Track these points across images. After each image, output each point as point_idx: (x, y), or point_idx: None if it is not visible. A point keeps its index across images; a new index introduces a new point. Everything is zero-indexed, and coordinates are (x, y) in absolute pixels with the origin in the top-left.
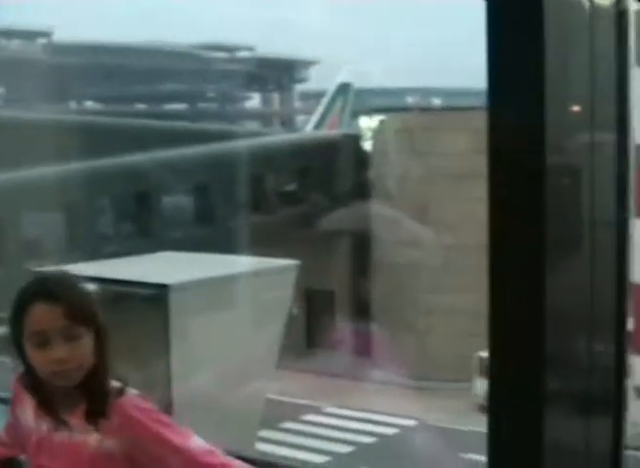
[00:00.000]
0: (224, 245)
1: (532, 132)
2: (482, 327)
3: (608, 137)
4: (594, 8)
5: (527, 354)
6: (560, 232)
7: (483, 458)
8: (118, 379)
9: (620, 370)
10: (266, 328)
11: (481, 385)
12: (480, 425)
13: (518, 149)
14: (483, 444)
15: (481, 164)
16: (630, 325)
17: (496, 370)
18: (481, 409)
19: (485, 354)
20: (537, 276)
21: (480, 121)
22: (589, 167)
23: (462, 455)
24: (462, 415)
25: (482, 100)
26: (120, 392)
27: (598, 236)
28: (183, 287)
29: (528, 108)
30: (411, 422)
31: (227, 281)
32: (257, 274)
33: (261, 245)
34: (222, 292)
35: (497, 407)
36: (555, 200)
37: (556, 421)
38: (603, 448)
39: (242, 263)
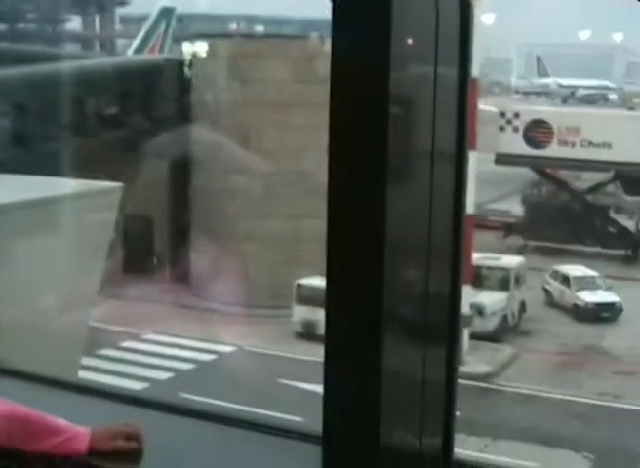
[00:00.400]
0: (44, 167)
1: (376, 62)
2: (301, 254)
3: (449, 72)
4: None
5: (364, 282)
6: (400, 162)
7: (300, 384)
8: None
9: (456, 299)
10: (90, 251)
11: (299, 312)
12: (297, 352)
13: (362, 78)
14: (300, 369)
15: (301, 92)
16: None
17: (332, 298)
18: (299, 335)
19: (304, 281)
20: (376, 205)
21: (301, 50)
22: (431, 99)
23: (280, 381)
24: (281, 342)
25: (304, 29)
26: None
27: (437, 168)
28: (1, 209)
29: (372, 38)
30: (229, 348)
31: (49, 203)
32: (79, 196)
33: (82, 168)
34: (43, 214)
35: (333, 334)
36: (396, 130)
37: (393, 349)
38: (438, 374)
39: (63, 186)
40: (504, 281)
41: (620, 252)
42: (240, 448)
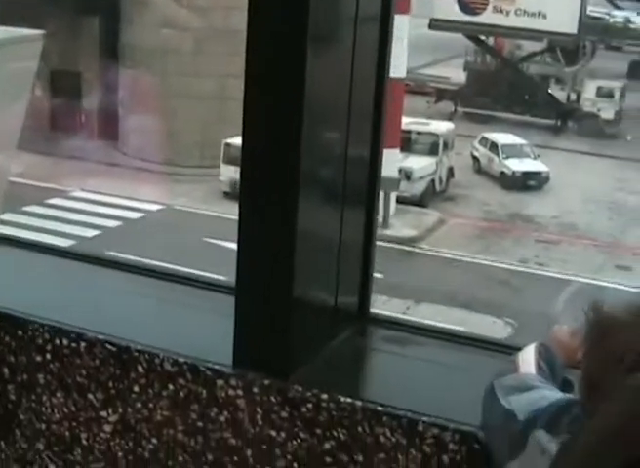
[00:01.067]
0: None
1: None
2: (231, 114)
3: None
4: None
5: (281, 141)
6: (322, 26)
7: (225, 243)
8: None
9: (376, 162)
10: (7, 102)
11: (226, 172)
12: (224, 211)
13: None
14: (225, 228)
15: None
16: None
17: (248, 158)
18: (226, 195)
19: (232, 141)
20: (296, 69)
21: None
22: None
23: (206, 239)
24: (208, 201)
25: None
26: None
27: (361, 31)
28: None
29: None
30: (157, 207)
31: None
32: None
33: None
34: None
35: (248, 192)
36: None
37: (309, 208)
38: (355, 238)
39: None
40: (433, 146)
41: (550, 121)
42: (159, 299)
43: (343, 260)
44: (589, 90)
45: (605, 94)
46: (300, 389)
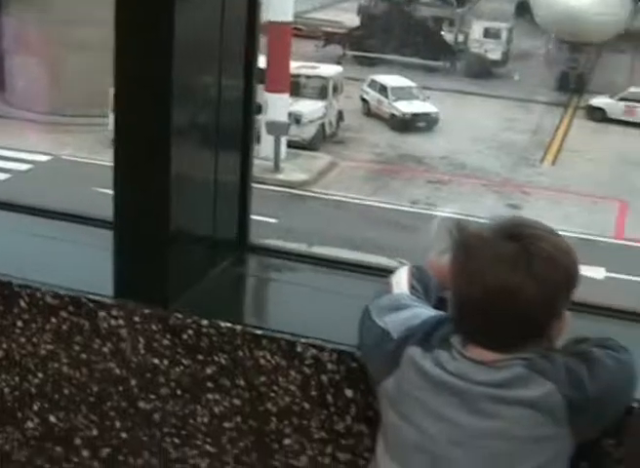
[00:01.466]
0: None
1: None
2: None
3: None
4: None
5: (154, 85)
6: None
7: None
8: None
9: (250, 103)
10: None
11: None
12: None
13: None
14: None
15: None
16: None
17: (122, 102)
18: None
19: None
20: (165, 12)
21: None
22: None
23: (95, 188)
24: (97, 150)
25: None
26: None
27: None
28: None
29: None
30: (45, 158)
31: None
32: None
33: None
34: None
35: (124, 139)
36: None
37: (185, 153)
38: (232, 179)
39: None
40: (322, 90)
41: (439, 63)
42: (38, 235)
43: (221, 196)
44: (477, 31)
45: (492, 34)
46: (180, 316)
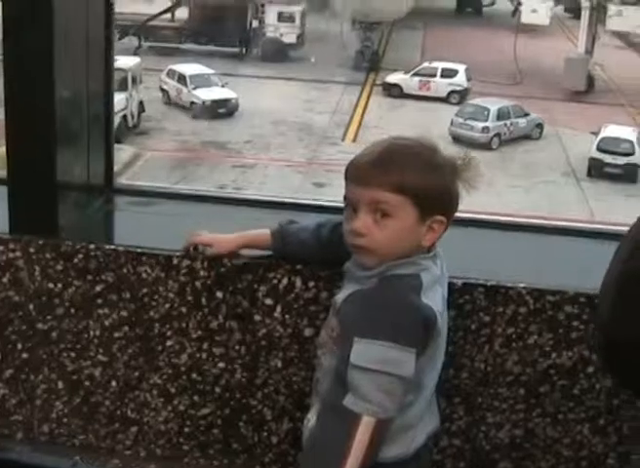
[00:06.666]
0: None
1: None
2: None
3: None
4: None
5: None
6: None
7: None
8: None
9: (109, 93)
10: None
11: None
12: None
13: None
14: None
15: None
16: None
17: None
18: None
19: None
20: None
21: None
22: None
23: None
24: None
25: None
26: None
27: None
28: None
29: None
30: None
31: None
32: None
33: None
34: None
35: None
36: None
37: (66, 122)
38: (99, 140)
39: None
40: (122, 82)
41: (236, 49)
42: None
43: (92, 151)
44: (271, 15)
45: (286, 18)
46: (70, 243)
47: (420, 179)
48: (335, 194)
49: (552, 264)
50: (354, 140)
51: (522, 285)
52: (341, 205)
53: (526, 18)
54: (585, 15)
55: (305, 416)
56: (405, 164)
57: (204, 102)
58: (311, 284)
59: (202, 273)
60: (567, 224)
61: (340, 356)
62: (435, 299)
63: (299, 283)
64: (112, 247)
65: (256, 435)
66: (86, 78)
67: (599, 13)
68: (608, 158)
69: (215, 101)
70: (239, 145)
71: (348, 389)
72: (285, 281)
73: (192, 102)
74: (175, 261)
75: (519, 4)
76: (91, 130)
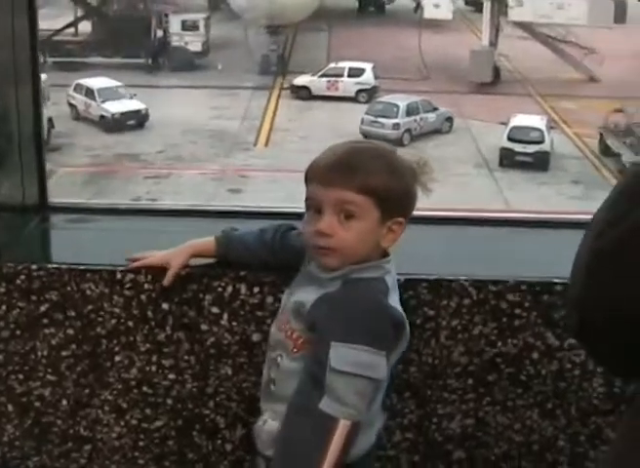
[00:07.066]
0: None
1: None
2: None
3: None
4: None
5: None
6: None
7: None
8: None
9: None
10: None
11: None
12: None
13: None
14: None
15: None
16: None
17: None
18: None
19: None
20: None
21: None
22: None
23: None
24: None
25: None
26: None
27: None
28: None
29: None
30: None
31: None
32: None
33: None
34: None
35: None
36: None
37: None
38: (31, 163)
39: None
40: None
41: (142, 60)
42: None
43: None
44: (175, 25)
45: (190, 27)
46: (12, 265)
47: (383, 181)
48: (252, 199)
49: (491, 255)
50: (266, 145)
51: (464, 277)
52: (282, 209)
53: (428, 13)
54: (487, 7)
55: (260, 418)
56: (369, 166)
57: (113, 115)
58: (256, 289)
59: (147, 286)
60: (500, 215)
61: (314, 359)
62: (397, 301)
63: (243, 289)
64: (55, 265)
65: (210, 443)
66: (15, 99)
67: (500, 4)
68: (518, 147)
69: (124, 114)
70: (152, 156)
71: (324, 392)
72: (230, 288)
73: (102, 116)
74: (118, 276)
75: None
76: (22, 150)
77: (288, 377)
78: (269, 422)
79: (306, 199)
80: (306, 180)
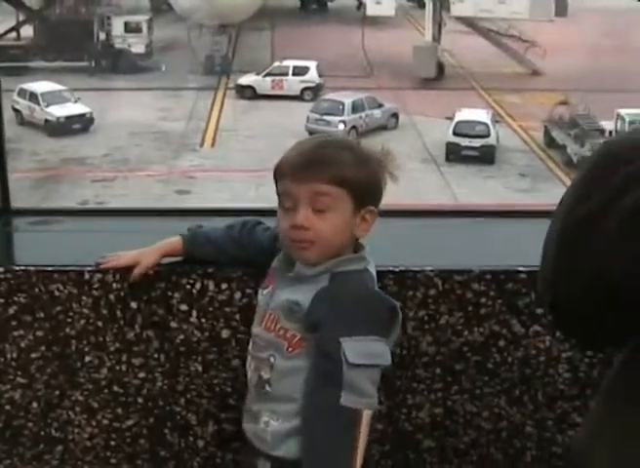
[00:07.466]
0: None
1: None
2: None
3: None
4: None
5: None
6: None
7: None
8: None
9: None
10: None
11: None
12: None
13: None
14: None
15: None
16: None
17: None
18: None
19: None
20: None
21: None
22: None
23: None
24: None
25: None
26: None
27: None
28: None
29: None
30: None
31: None
32: None
33: None
34: None
35: None
36: None
37: None
38: None
39: None
40: None
41: (85, 63)
42: None
43: None
44: (117, 27)
45: (133, 28)
46: None
47: (354, 172)
48: (200, 200)
49: (455, 246)
50: (213, 145)
51: (429, 268)
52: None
53: (371, 10)
54: (429, 3)
55: (259, 419)
56: (339, 158)
57: (58, 119)
58: (224, 286)
59: (115, 285)
60: (464, 206)
61: (323, 357)
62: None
63: (211, 286)
64: (22, 268)
65: (182, 441)
66: None
67: (442, 0)
68: (464, 141)
69: (69, 117)
70: (98, 160)
71: (342, 388)
72: (198, 285)
73: (47, 120)
74: (86, 276)
75: None
76: None
77: (284, 377)
78: (272, 423)
79: (279, 195)
80: (277, 178)
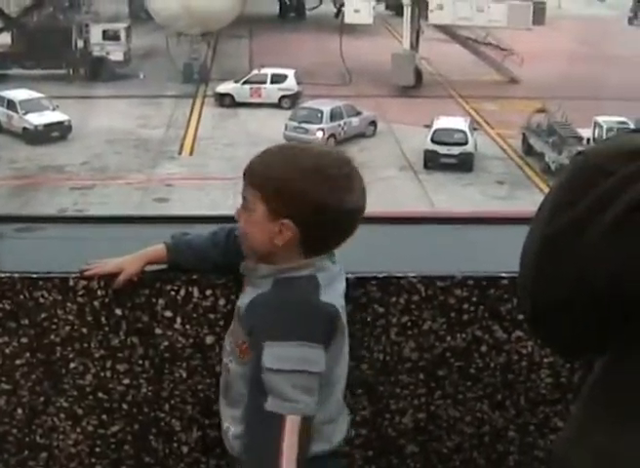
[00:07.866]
0: None
1: None
2: None
3: None
4: None
5: None
6: None
7: None
8: None
9: None
10: None
11: None
12: None
13: None
14: None
15: None
16: None
17: None
18: None
19: None
20: None
21: None
22: None
23: None
24: None
25: None
26: None
27: None
28: None
29: None
30: None
31: None
32: None
33: None
34: None
35: None
36: None
37: None
38: None
39: None
40: None
41: (63, 71)
42: None
43: None
44: (95, 35)
45: (111, 36)
46: None
47: (274, 178)
48: (178, 207)
49: (438, 252)
50: (191, 153)
51: (412, 274)
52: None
53: (349, 18)
54: (407, 11)
55: (223, 424)
56: (270, 162)
57: (36, 127)
58: (208, 292)
59: (99, 292)
60: (445, 213)
61: (254, 362)
62: (335, 296)
63: (196, 292)
64: (7, 274)
65: (167, 447)
66: None
67: (421, 8)
68: (443, 149)
69: (47, 125)
70: (76, 167)
71: (267, 393)
72: (182, 292)
73: (24, 128)
74: (71, 283)
75: (342, 5)
76: None
77: (237, 382)
78: (231, 429)
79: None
80: None
